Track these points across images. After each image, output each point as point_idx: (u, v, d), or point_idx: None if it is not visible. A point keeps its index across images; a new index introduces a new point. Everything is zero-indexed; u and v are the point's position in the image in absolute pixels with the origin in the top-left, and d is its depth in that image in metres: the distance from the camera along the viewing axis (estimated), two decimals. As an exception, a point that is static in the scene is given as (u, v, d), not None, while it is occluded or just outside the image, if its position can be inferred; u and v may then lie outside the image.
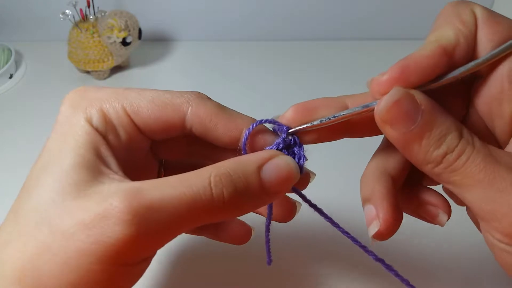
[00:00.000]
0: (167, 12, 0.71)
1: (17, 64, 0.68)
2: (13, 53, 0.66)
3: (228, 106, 0.27)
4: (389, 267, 0.27)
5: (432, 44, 0.23)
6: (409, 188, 0.28)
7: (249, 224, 0.33)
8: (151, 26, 0.70)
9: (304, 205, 0.28)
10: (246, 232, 0.32)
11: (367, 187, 0.26)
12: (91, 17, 0.63)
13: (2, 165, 0.53)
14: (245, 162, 0.23)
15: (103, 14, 0.63)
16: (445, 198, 0.27)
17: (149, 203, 0.20)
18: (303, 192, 0.27)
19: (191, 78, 0.67)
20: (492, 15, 0.24)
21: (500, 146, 0.26)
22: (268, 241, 0.31)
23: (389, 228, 0.24)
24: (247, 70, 0.68)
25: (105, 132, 0.24)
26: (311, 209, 0.27)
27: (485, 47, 0.24)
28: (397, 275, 0.27)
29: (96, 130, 0.24)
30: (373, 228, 0.24)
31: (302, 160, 0.25)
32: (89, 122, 0.24)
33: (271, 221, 0.30)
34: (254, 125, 0.25)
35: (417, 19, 0.71)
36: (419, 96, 0.22)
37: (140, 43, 0.64)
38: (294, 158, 0.25)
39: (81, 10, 0.62)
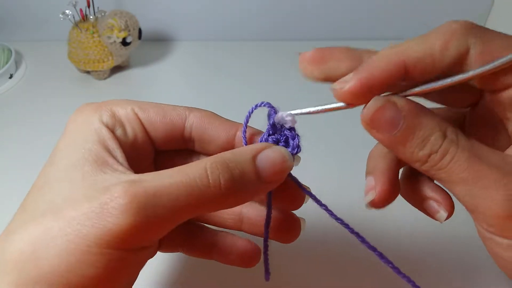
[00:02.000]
0: (167, 12, 0.71)
1: (17, 64, 0.68)
2: (13, 53, 0.66)
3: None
4: (381, 256, 0.27)
5: (392, 55, 0.23)
6: (415, 180, 0.29)
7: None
8: (151, 26, 0.70)
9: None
10: (255, 253, 0.31)
11: (371, 163, 0.29)
12: (91, 17, 0.63)
13: (2, 164, 0.53)
14: (240, 151, 0.24)
15: (103, 14, 0.63)
16: (450, 196, 0.28)
17: (148, 191, 0.21)
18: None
19: (191, 78, 0.67)
20: (486, 34, 0.23)
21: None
22: (266, 252, 0.29)
23: (383, 199, 0.27)
24: (247, 70, 0.68)
25: (113, 127, 0.26)
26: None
27: (475, 61, 0.23)
28: (383, 259, 0.26)
29: (106, 126, 0.26)
30: (369, 197, 0.27)
31: (296, 150, 0.27)
32: (99, 120, 0.26)
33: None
34: (254, 107, 0.27)
35: (417, 19, 0.71)
36: (400, 102, 0.23)
37: (140, 43, 0.64)
38: (287, 147, 0.27)
39: (81, 10, 0.62)
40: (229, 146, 0.28)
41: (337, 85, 0.24)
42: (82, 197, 0.22)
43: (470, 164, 0.22)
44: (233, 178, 0.23)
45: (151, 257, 0.27)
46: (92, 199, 0.21)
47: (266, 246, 0.29)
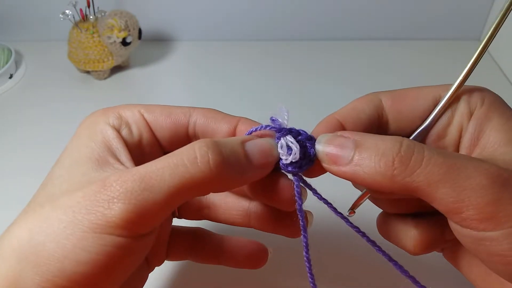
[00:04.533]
0: (167, 12, 0.71)
1: (17, 64, 0.68)
2: (13, 53, 0.66)
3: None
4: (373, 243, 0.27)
5: (328, 117, 0.28)
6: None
7: (265, 246, 0.32)
8: (151, 26, 0.71)
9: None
10: (262, 253, 0.32)
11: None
12: (91, 17, 0.63)
13: (2, 164, 0.53)
14: (230, 138, 0.26)
15: (103, 14, 0.63)
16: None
17: (136, 176, 0.22)
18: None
19: (191, 78, 0.67)
20: (397, 94, 0.28)
21: None
22: (308, 261, 0.28)
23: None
24: (248, 70, 0.68)
25: (119, 127, 0.27)
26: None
27: (393, 119, 0.28)
28: (378, 249, 0.27)
29: (112, 127, 0.27)
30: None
31: (310, 161, 0.26)
32: (105, 121, 0.27)
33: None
34: (260, 128, 0.27)
35: (417, 19, 0.71)
36: (346, 133, 0.25)
37: (140, 43, 0.64)
38: (306, 149, 0.26)
39: (81, 10, 0.62)
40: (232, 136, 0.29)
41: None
42: (78, 188, 0.23)
43: (445, 158, 0.22)
44: (221, 154, 0.23)
45: (148, 250, 0.27)
46: (86, 188, 0.22)
47: (307, 257, 0.28)
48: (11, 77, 0.66)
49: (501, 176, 0.22)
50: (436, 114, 0.27)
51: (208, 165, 0.22)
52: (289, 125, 0.27)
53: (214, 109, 0.29)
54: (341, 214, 0.28)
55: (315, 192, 0.28)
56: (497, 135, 0.25)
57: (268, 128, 0.27)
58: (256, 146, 0.25)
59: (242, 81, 0.65)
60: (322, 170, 0.26)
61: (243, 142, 0.25)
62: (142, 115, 0.28)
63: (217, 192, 0.31)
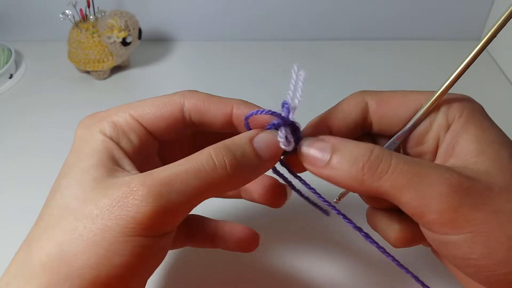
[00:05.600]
0: (167, 12, 0.71)
1: (17, 64, 0.68)
2: (13, 53, 0.66)
3: None
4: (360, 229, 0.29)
5: (316, 119, 0.30)
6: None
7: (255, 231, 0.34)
8: (151, 26, 0.71)
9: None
10: (253, 238, 0.34)
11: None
12: (91, 17, 0.63)
13: (1, 164, 0.53)
14: (238, 137, 0.27)
15: (103, 14, 0.63)
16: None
17: (162, 180, 0.23)
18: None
19: (191, 78, 0.67)
20: (382, 99, 0.29)
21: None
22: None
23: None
24: (248, 70, 0.68)
25: (118, 139, 0.28)
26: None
27: (377, 122, 0.29)
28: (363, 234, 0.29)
29: (110, 138, 0.27)
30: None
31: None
32: (103, 132, 0.27)
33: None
34: (255, 112, 0.28)
35: (416, 19, 0.71)
36: (326, 138, 0.27)
37: (140, 43, 0.64)
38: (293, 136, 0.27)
39: (81, 10, 0.62)
40: (228, 125, 0.30)
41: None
42: (99, 195, 0.24)
43: (410, 167, 0.24)
44: (235, 158, 0.25)
45: (170, 245, 0.29)
46: (110, 195, 0.23)
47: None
48: (11, 77, 0.66)
49: (462, 185, 0.23)
50: (413, 124, 0.28)
51: (226, 171, 0.25)
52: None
53: (205, 96, 0.30)
54: (328, 202, 0.29)
55: (300, 179, 0.30)
56: (470, 146, 0.26)
57: (269, 113, 0.27)
58: (263, 142, 0.27)
59: (242, 81, 0.65)
60: (304, 168, 0.28)
61: (251, 140, 0.26)
62: (137, 121, 0.29)
63: (232, 190, 0.33)
